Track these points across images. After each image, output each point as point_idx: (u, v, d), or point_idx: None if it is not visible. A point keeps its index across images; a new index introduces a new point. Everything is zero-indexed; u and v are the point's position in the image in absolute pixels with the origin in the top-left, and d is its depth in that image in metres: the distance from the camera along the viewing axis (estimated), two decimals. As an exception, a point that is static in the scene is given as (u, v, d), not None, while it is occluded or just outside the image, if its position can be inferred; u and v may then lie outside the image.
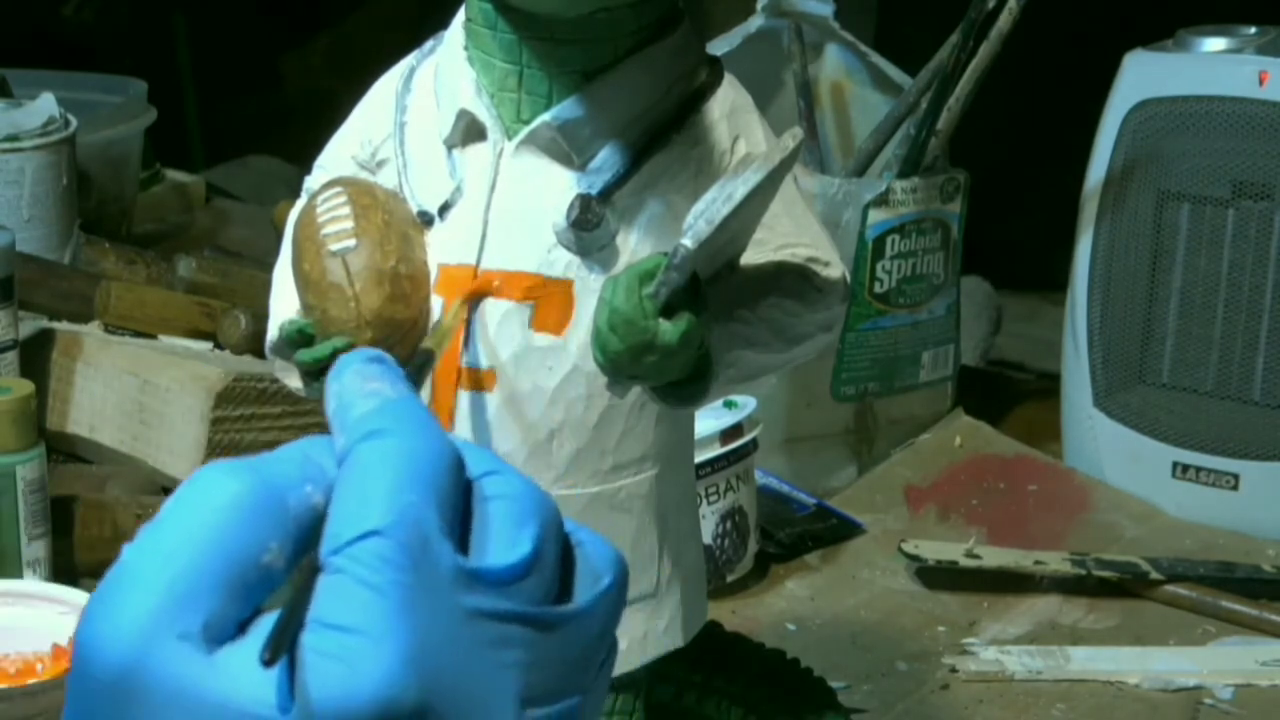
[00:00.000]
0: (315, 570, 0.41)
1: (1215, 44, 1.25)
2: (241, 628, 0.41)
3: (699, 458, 1.03)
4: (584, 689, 0.44)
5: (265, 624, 0.41)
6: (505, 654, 0.41)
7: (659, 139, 0.68)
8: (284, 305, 0.72)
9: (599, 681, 0.45)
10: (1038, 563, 1.14)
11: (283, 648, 0.40)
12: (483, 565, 0.41)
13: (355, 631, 0.40)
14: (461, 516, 0.43)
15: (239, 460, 0.43)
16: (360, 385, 0.44)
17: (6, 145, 1.41)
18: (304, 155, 0.81)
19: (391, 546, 0.40)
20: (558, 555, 0.43)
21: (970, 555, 1.14)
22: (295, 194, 0.78)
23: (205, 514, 0.41)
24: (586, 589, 0.44)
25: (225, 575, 0.41)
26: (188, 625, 0.41)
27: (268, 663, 0.40)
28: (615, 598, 0.44)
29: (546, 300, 0.68)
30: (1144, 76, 1.26)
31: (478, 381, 0.68)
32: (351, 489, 0.42)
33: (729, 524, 1.10)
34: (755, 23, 1.37)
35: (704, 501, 1.08)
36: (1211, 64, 1.24)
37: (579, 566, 0.44)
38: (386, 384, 0.44)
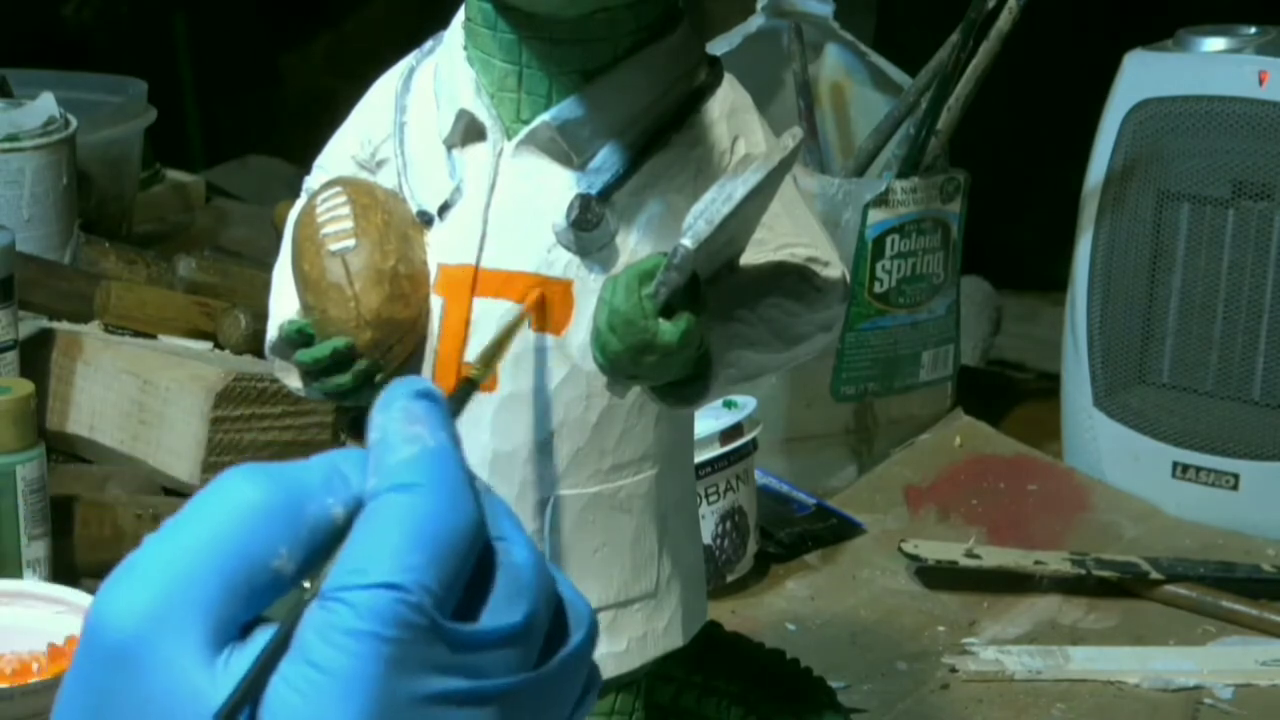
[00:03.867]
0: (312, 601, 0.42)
1: (1215, 44, 1.25)
2: (246, 630, 0.42)
3: (699, 458, 1.03)
4: None
5: (260, 637, 0.42)
6: (473, 717, 0.42)
7: (659, 139, 0.68)
8: (284, 305, 0.72)
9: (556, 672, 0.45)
10: (1038, 563, 1.14)
11: (241, 706, 0.41)
12: (468, 631, 0.42)
13: (329, 674, 0.41)
14: (470, 578, 0.43)
15: (266, 465, 0.43)
16: (404, 427, 0.44)
17: (6, 145, 1.41)
18: (304, 155, 0.81)
19: (390, 603, 0.41)
20: (548, 621, 0.44)
21: (970, 555, 1.14)
22: (295, 194, 0.78)
23: (222, 514, 0.42)
24: (561, 649, 0.45)
25: (233, 576, 0.42)
26: (189, 619, 0.41)
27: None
28: (585, 652, 0.45)
29: (546, 300, 0.68)
30: (1144, 76, 1.26)
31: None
32: (368, 536, 0.42)
33: (729, 524, 1.10)
34: (755, 23, 1.37)
35: (704, 501, 1.08)
36: (1211, 64, 1.24)
37: (560, 624, 0.45)
38: (428, 429, 0.44)
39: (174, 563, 0.42)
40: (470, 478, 0.44)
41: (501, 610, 0.43)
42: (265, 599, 0.42)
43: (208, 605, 0.42)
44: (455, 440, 0.45)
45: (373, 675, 0.41)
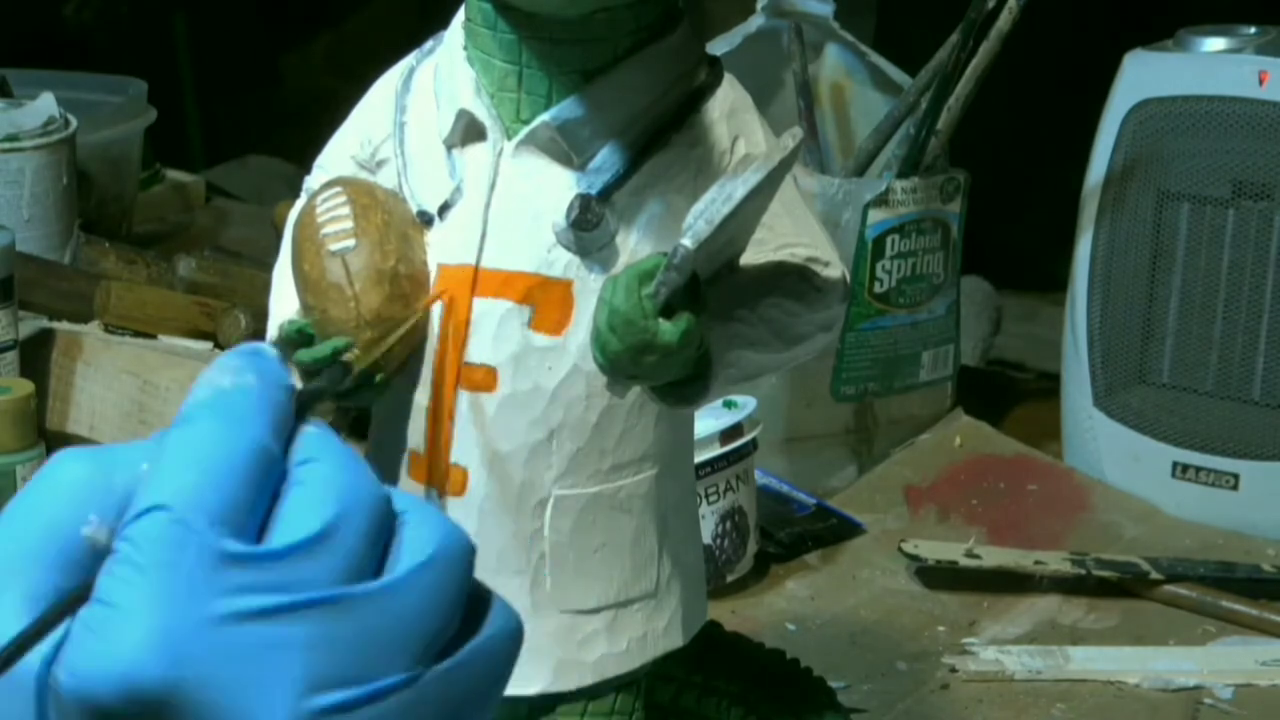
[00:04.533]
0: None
1: (1215, 44, 1.25)
2: (75, 604, 0.42)
3: (699, 458, 1.03)
4: (407, 668, 0.43)
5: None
6: (280, 637, 0.41)
7: (659, 139, 0.68)
8: (284, 305, 0.72)
9: (461, 665, 0.44)
10: (1038, 563, 1.14)
11: (27, 645, 0.41)
12: (257, 548, 0.42)
13: (113, 606, 0.41)
14: (266, 504, 0.43)
15: (91, 447, 0.44)
16: (212, 376, 0.45)
17: (6, 145, 1.41)
18: (304, 155, 0.81)
19: (161, 525, 0.41)
20: (369, 535, 0.43)
21: (970, 555, 1.14)
22: (295, 194, 0.78)
23: (38, 492, 0.43)
24: (401, 566, 0.43)
25: (40, 544, 0.43)
26: (9, 593, 0.42)
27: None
28: (439, 573, 0.43)
29: (546, 300, 0.68)
30: (1144, 76, 1.26)
31: (478, 381, 0.68)
32: (148, 474, 0.43)
33: (729, 524, 1.10)
34: (755, 23, 1.37)
35: (704, 501, 1.08)
36: (1211, 64, 1.24)
37: (400, 544, 0.44)
38: (233, 375, 0.44)
39: None
40: (287, 412, 0.44)
41: (298, 522, 0.42)
42: (86, 567, 0.43)
43: (19, 574, 0.42)
44: (272, 383, 0.44)
45: (158, 600, 0.41)
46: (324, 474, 0.43)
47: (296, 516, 0.43)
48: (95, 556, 0.42)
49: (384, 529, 0.44)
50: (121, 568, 0.41)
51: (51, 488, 0.43)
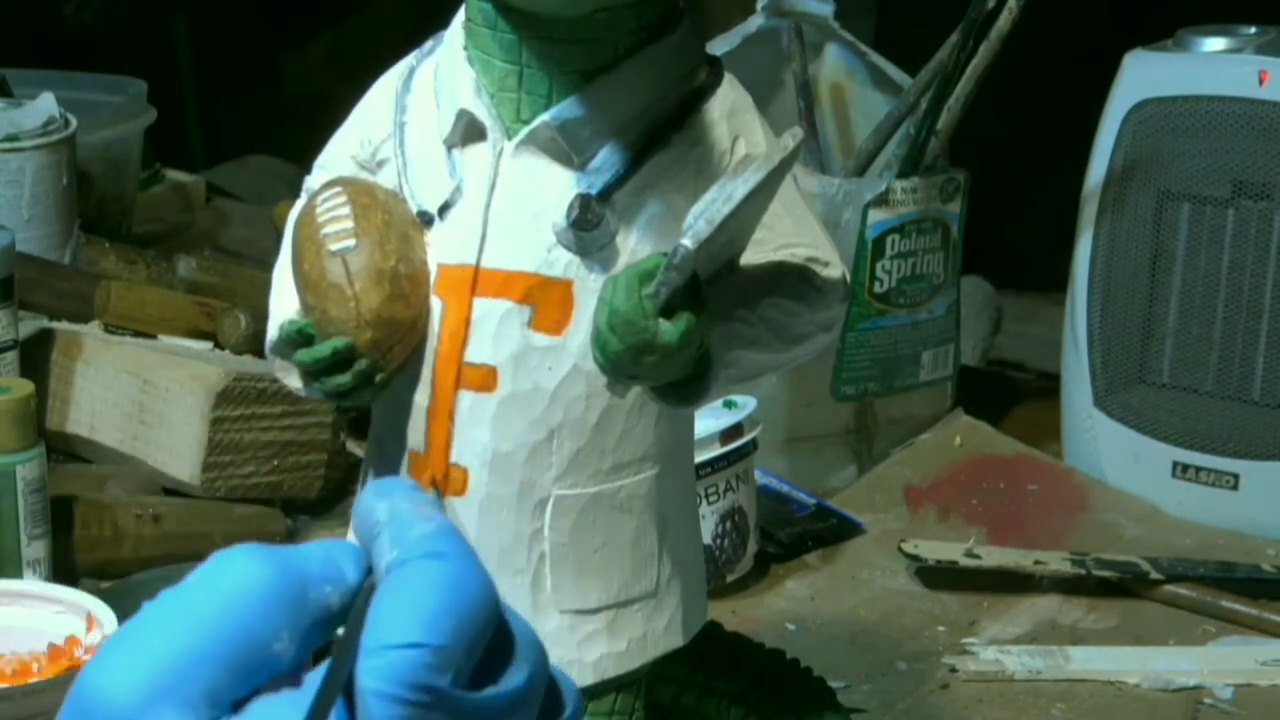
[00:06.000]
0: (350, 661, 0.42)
1: (1215, 44, 1.25)
2: (236, 707, 0.42)
3: (699, 458, 1.03)
4: None
5: (259, 706, 0.42)
6: None
7: (659, 139, 0.68)
8: (284, 305, 0.72)
9: None
10: (1038, 563, 1.14)
11: None
12: (485, 695, 0.43)
13: None
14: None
15: (270, 547, 0.44)
16: (415, 508, 0.45)
17: (6, 145, 1.41)
18: (304, 155, 0.81)
19: (425, 664, 0.42)
20: (544, 691, 0.45)
21: (970, 555, 1.14)
22: (295, 194, 0.78)
23: (230, 592, 0.43)
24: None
25: (234, 655, 0.42)
26: (189, 695, 0.42)
27: None
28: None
29: (546, 300, 0.68)
30: (1144, 76, 1.26)
31: (478, 381, 0.68)
32: (405, 598, 0.43)
33: (729, 524, 1.10)
34: (755, 23, 1.37)
35: (704, 501, 1.08)
36: (1211, 64, 1.24)
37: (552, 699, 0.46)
38: (430, 507, 0.46)
39: (177, 637, 0.42)
40: None
41: (506, 676, 0.44)
42: (259, 679, 0.43)
43: (208, 682, 0.42)
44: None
45: None
46: (519, 629, 0.45)
47: (506, 671, 0.44)
48: (270, 668, 0.43)
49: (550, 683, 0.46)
50: (379, 700, 0.41)
51: (245, 592, 0.43)
